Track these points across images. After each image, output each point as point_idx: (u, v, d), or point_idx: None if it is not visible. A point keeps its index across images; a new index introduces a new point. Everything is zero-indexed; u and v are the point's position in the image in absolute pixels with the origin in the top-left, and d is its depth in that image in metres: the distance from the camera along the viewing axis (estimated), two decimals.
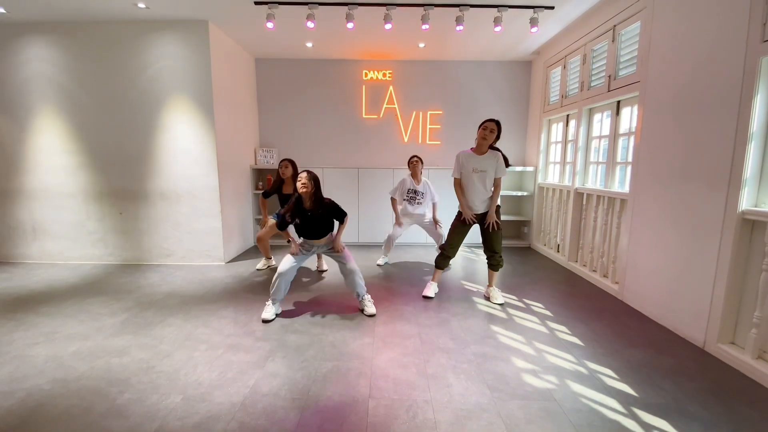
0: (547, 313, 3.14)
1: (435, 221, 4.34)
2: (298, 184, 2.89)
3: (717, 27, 2.49)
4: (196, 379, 2.16)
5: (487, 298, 3.40)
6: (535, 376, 2.21)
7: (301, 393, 2.04)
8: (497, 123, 3.16)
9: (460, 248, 5.14)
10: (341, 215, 3.07)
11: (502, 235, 3.27)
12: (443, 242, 3.52)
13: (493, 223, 3.22)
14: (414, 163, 4.23)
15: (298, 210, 2.98)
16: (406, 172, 4.48)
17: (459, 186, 3.30)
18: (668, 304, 2.87)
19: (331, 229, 3.10)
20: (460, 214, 3.33)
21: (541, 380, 2.17)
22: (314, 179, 2.94)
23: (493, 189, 3.23)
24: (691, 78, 2.69)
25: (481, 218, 3.29)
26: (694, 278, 2.63)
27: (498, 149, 3.24)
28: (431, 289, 3.47)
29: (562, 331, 2.79)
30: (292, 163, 4.04)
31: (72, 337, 2.66)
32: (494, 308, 3.22)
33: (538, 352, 2.50)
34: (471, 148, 3.26)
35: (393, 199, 4.30)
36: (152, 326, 2.84)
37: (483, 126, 3.16)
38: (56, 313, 3.07)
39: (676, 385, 2.15)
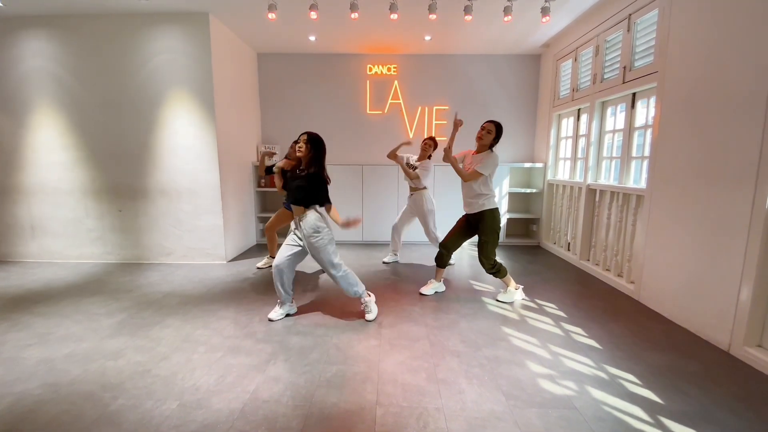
0: (561, 314, 3.00)
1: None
2: (297, 147, 2.73)
3: (743, 13, 2.34)
4: (194, 383, 2.05)
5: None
6: (553, 381, 2.09)
7: (304, 399, 1.92)
8: (495, 124, 3.09)
9: (466, 246, 5.08)
10: (314, 195, 2.71)
11: (491, 241, 3.13)
12: (439, 240, 3.49)
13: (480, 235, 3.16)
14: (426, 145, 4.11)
15: (293, 171, 2.82)
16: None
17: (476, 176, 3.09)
18: (689, 304, 2.73)
19: (307, 202, 2.72)
20: (465, 215, 3.28)
21: (559, 386, 2.04)
22: (313, 141, 2.71)
23: (478, 190, 3.09)
24: (714, 67, 2.54)
25: (473, 219, 3.20)
26: (718, 278, 2.49)
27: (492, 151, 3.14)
28: (430, 287, 3.41)
29: (578, 333, 2.66)
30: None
31: (67, 339, 2.56)
32: (505, 309, 3.10)
33: (553, 355, 2.37)
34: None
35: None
36: (150, 327, 2.74)
37: (482, 126, 3.12)
38: (52, 314, 2.97)
39: (702, 390, 2.02)
